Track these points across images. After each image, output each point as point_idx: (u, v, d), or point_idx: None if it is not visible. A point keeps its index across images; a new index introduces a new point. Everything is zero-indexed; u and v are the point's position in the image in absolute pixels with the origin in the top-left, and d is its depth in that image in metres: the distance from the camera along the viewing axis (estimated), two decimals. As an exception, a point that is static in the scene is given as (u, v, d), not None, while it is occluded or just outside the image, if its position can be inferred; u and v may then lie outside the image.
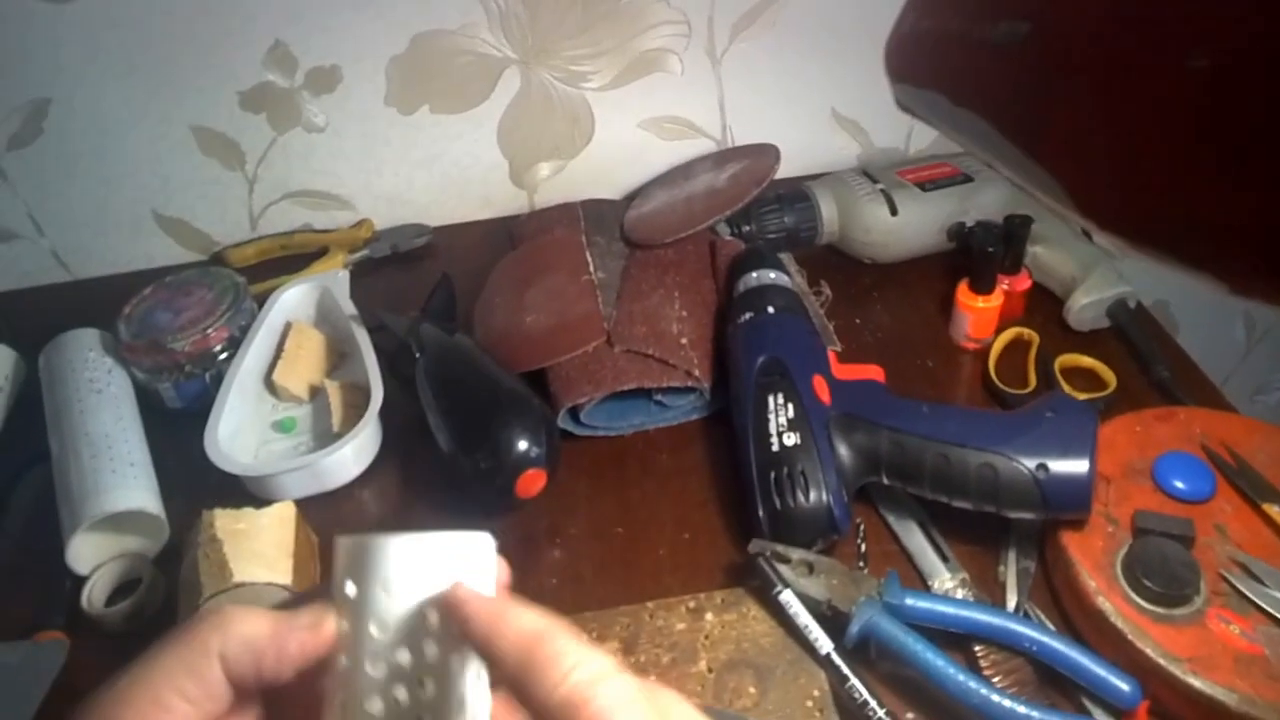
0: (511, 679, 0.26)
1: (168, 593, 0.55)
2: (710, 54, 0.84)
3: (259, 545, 0.50)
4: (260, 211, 0.85)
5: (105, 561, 0.56)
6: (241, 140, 0.80)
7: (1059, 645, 0.47)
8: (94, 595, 0.54)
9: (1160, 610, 0.48)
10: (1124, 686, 0.45)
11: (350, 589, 0.28)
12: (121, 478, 0.57)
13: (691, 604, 0.51)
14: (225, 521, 0.51)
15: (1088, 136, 0.19)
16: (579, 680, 0.25)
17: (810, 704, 0.46)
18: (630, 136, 0.88)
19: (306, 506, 0.57)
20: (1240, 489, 0.54)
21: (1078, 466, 0.50)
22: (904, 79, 0.26)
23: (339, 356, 0.70)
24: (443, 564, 0.28)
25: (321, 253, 0.83)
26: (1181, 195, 0.18)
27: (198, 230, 0.85)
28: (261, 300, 0.72)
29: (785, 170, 0.78)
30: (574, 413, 0.64)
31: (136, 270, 0.85)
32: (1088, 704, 0.47)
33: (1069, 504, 0.50)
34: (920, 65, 0.25)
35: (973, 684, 0.45)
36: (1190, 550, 0.50)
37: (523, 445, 0.56)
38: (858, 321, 0.73)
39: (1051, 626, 0.51)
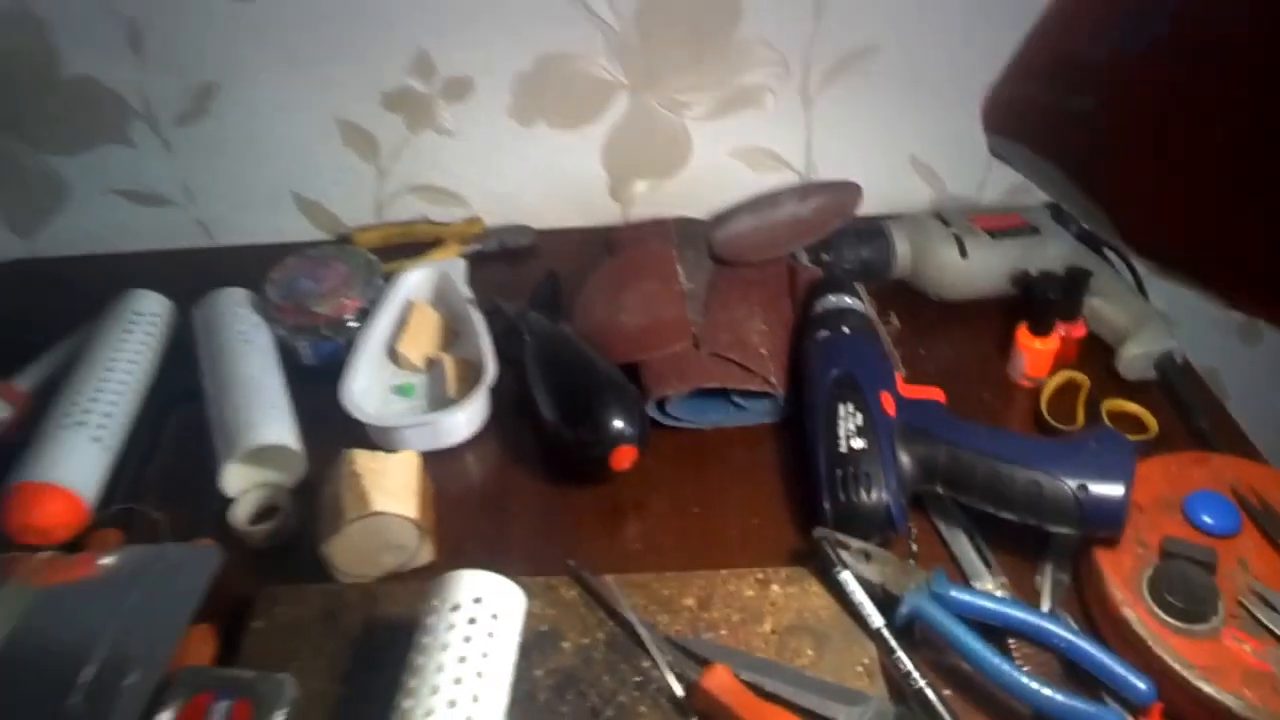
0: None
1: (301, 519, 0.63)
2: (803, 95, 0.92)
3: (390, 483, 0.58)
4: (385, 200, 0.94)
5: (248, 489, 0.64)
6: (379, 135, 0.90)
7: (1085, 645, 0.53)
8: (238, 516, 0.63)
9: (1180, 624, 0.53)
10: (1141, 685, 0.51)
11: None
12: (269, 416, 0.66)
13: (760, 575, 0.58)
14: (364, 460, 0.59)
15: (1135, 187, 0.27)
16: None
17: (860, 669, 0.52)
18: (722, 163, 0.96)
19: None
20: (1265, 531, 0.59)
21: (1115, 490, 0.56)
22: (997, 132, 0.33)
23: (453, 335, 0.79)
24: None
25: (436, 243, 0.91)
26: (1201, 232, 0.25)
27: (329, 212, 0.94)
28: (384, 279, 0.80)
29: (863, 207, 0.85)
30: (660, 405, 0.71)
31: (269, 243, 0.94)
32: (1107, 700, 0.52)
33: (1105, 522, 0.56)
34: (1010, 123, 0.33)
35: (1006, 667, 0.51)
36: (1212, 577, 0.55)
37: (619, 423, 0.63)
38: (922, 352, 0.79)
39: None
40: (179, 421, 0.72)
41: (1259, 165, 0.22)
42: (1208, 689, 0.50)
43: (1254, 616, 0.54)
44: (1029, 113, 0.31)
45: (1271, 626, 0.53)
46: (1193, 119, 0.24)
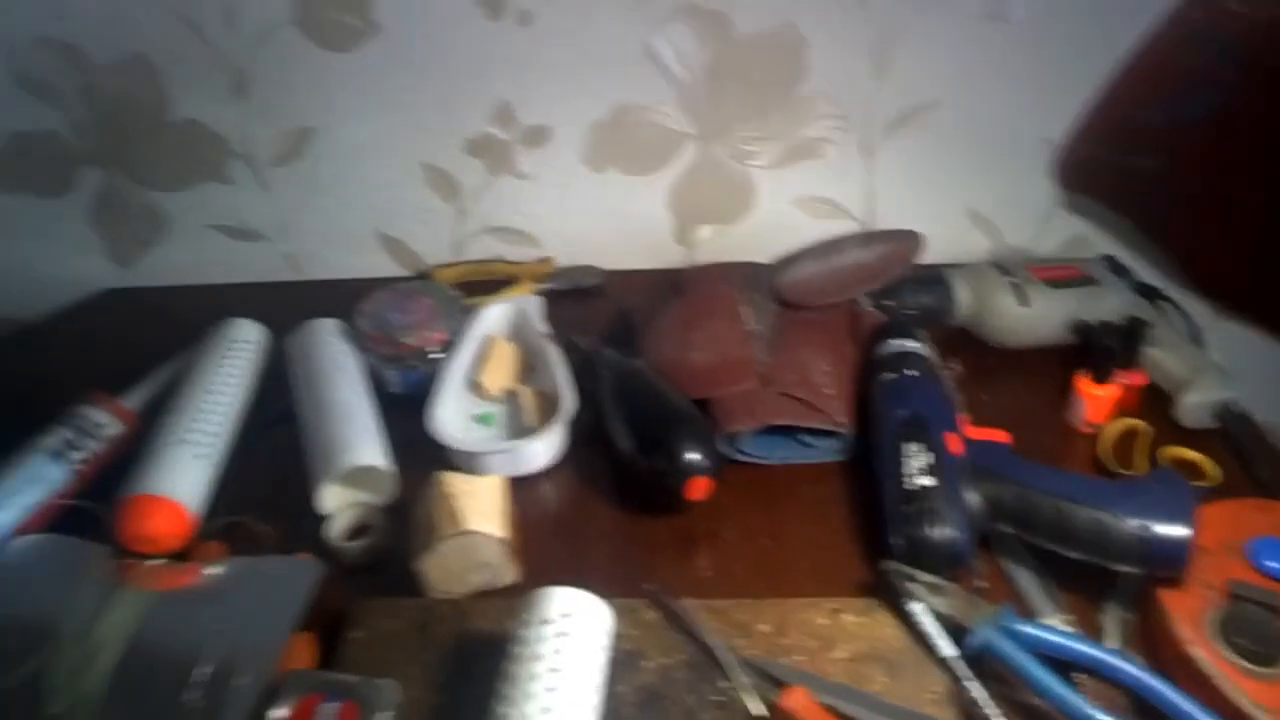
0: None
1: (393, 537, 0.66)
2: (863, 147, 0.96)
3: (479, 504, 0.61)
4: (464, 240, 0.99)
5: (342, 507, 0.68)
6: (461, 179, 0.95)
7: (1156, 683, 0.54)
8: (333, 533, 0.66)
9: (1250, 666, 0.54)
10: (1214, 725, 0.52)
11: None
12: (362, 439, 0.70)
13: (831, 605, 0.60)
14: (455, 482, 0.62)
15: (1191, 234, 0.30)
16: None
17: (931, 697, 0.54)
18: (784, 211, 1.00)
19: (504, 485, 0.68)
20: (1331, 579, 0.60)
21: (1177, 530, 0.57)
22: (1072, 189, 0.37)
23: (529, 368, 0.82)
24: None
25: (509, 281, 0.96)
26: (1242, 272, 0.28)
27: (411, 250, 0.99)
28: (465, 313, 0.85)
29: (922, 256, 0.88)
30: (730, 441, 0.74)
31: (354, 278, 0.99)
32: (1177, 738, 0.54)
33: (1168, 562, 0.58)
34: (1083, 180, 0.36)
35: (1081, 702, 0.52)
36: (1280, 621, 0.57)
37: (695, 455, 0.66)
38: (984, 398, 0.81)
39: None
40: (275, 442, 0.77)
41: None
42: (1281, 730, 0.51)
43: (1323, 661, 0.55)
44: (1099, 172, 0.35)
45: (1341, 672, 0.54)
46: (1240, 179, 0.28)
